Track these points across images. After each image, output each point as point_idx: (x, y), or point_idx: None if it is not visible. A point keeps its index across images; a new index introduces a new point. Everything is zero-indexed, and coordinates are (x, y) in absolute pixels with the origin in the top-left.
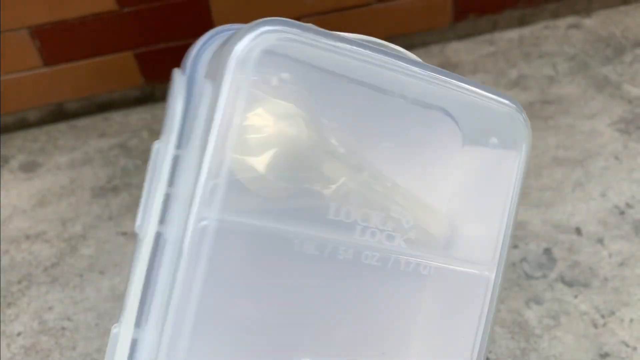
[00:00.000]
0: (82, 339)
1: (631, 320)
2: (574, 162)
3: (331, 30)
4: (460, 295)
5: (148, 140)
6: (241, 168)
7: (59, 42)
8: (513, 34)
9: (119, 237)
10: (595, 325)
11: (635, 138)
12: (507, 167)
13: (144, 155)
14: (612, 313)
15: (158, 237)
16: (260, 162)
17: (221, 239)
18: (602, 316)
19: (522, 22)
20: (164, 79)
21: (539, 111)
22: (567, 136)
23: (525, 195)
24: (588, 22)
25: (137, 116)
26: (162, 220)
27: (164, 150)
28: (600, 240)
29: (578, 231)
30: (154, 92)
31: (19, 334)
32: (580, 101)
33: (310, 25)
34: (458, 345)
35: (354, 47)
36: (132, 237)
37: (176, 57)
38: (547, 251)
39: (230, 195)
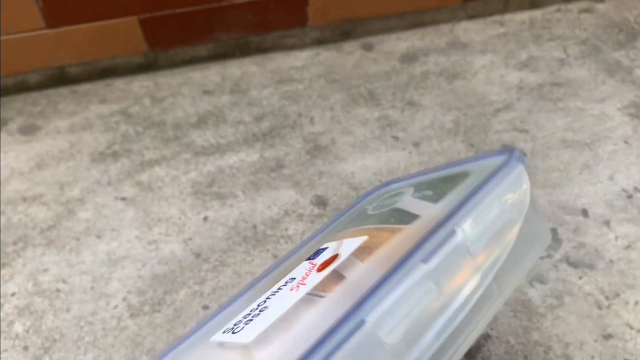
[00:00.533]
0: (76, 302)
1: (636, 303)
2: (583, 145)
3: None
4: None
5: (150, 108)
6: None
7: (62, 3)
8: (524, 15)
9: (117, 202)
10: (600, 307)
11: None
12: None
13: (146, 122)
14: (617, 295)
15: None
16: None
17: None
18: (607, 298)
19: (534, 5)
20: (168, 46)
21: (548, 93)
22: (576, 119)
23: (531, 176)
24: (601, 6)
25: (139, 83)
26: None
27: None
28: (606, 223)
29: (585, 213)
30: (157, 60)
31: (13, 294)
32: (590, 84)
33: None
34: None
35: None
36: (130, 202)
37: (181, 25)
38: (553, 231)
39: None
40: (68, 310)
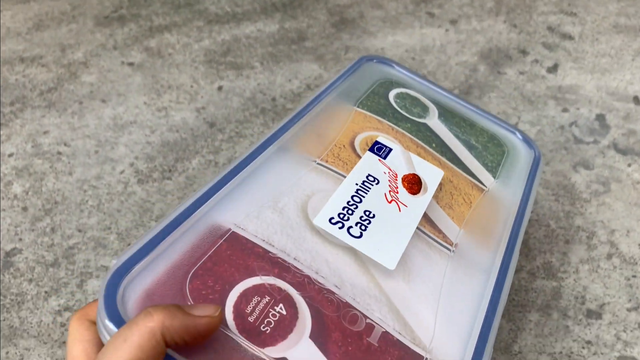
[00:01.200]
0: (79, 165)
1: None
2: (636, 31)
3: None
4: None
5: None
6: None
7: None
8: None
9: (124, 67)
10: None
11: None
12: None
13: None
14: None
15: None
16: None
17: None
18: None
19: None
20: None
21: None
22: (630, 3)
23: (579, 60)
24: None
25: None
26: None
27: None
28: None
29: (636, 100)
30: None
31: (10, 155)
32: None
33: None
34: None
35: None
36: (138, 68)
37: None
38: (600, 117)
39: None
40: (70, 174)
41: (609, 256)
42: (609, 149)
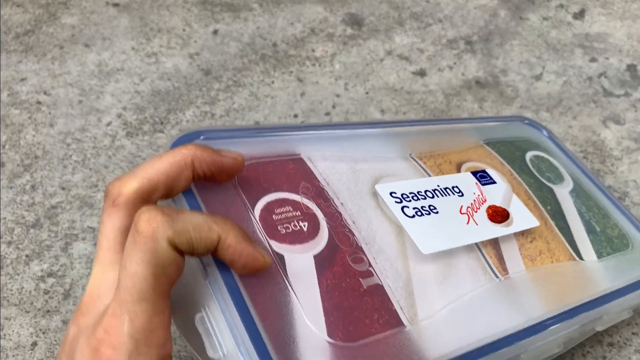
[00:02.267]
0: (61, 116)
1: None
2: None
3: None
4: None
5: None
6: None
7: None
8: None
9: (109, 7)
10: None
11: None
12: None
13: None
14: None
15: None
16: None
17: None
18: None
19: None
20: None
21: None
22: None
23: (607, 5)
24: None
25: None
26: None
27: None
28: None
29: None
30: None
31: None
32: None
33: None
34: None
35: None
36: (124, 9)
37: None
38: (632, 68)
39: None
40: (51, 125)
41: None
42: None
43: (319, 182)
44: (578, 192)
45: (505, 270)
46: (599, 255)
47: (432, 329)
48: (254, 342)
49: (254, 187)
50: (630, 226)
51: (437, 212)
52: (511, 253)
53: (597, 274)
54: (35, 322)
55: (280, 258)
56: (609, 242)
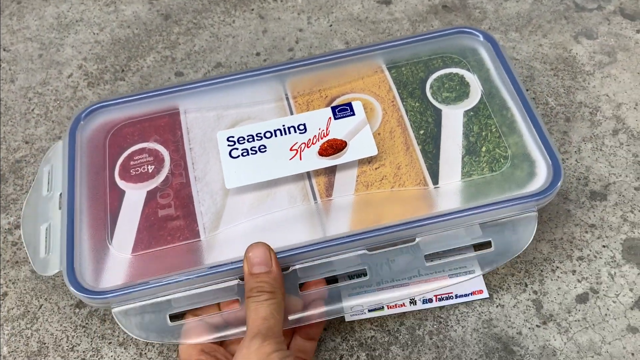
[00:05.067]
0: (22, 71)
1: None
2: None
3: None
4: None
5: None
6: None
7: None
8: None
9: None
10: None
11: None
12: None
13: None
14: None
15: None
16: None
17: None
18: None
19: None
20: None
21: None
22: None
23: None
24: None
25: None
26: None
27: None
28: None
29: None
30: None
31: None
32: None
33: None
34: None
35: None
36: None
37: None
38: None
39: None
40: (12, 81)
41: (615, 132)
42: (614, 14)
43: (181, 130)
44: (478, 111)
45: (329, 195)
46: (467, 176)
47: (226, 239)
48: (67, 253)
49: (125, 141)
50: (534, 147)
51: (264, 151)
52: (345, 180)
53: (439, 199)
54: (5, 273)
55: (122, 193)
56: (490, 163)
